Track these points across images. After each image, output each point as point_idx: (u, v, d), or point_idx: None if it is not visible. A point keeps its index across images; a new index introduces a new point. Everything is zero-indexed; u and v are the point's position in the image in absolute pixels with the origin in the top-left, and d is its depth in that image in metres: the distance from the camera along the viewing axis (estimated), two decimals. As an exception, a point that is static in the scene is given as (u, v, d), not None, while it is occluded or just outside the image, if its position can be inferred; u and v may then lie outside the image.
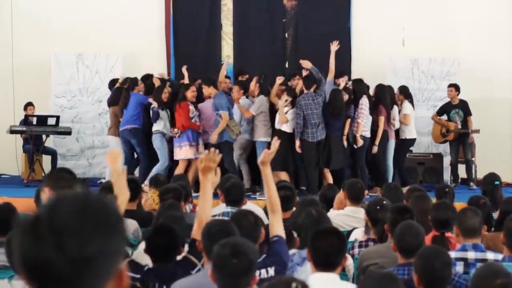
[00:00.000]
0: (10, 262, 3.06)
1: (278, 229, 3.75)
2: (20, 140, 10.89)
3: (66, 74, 11.39)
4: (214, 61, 11.53)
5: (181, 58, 11.76)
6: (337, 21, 11.89)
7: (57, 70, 11.39)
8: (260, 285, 2.94)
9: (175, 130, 9.16)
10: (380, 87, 9.82)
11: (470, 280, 3.23)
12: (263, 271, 3.51)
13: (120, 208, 3.50)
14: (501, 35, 11.91)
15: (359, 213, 5.45)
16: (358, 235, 5.07)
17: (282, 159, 9.14)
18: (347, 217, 5.56)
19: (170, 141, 9.36)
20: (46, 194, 3.74)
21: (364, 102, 9.39)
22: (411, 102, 10.17)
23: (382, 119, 9.53)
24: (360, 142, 9.34)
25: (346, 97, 9.32)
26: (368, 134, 9.48)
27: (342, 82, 9.42)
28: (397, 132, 9.99)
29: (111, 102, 9.85)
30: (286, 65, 11.87)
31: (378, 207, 4.71)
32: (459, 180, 10.69)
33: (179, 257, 3.79)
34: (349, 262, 4.34)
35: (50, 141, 11.13)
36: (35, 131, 10.35)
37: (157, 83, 9.53)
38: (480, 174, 9.16)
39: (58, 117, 10.61)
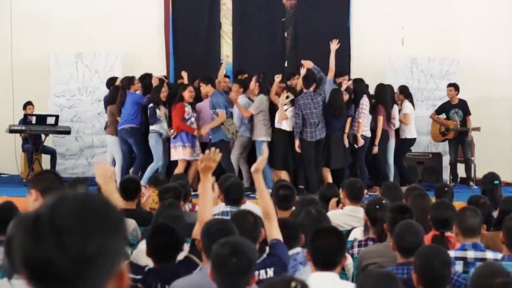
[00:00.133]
0: (9, 261, 3.06)
1: (275, 234, 3.74)
2: (19, 139, 10.89)
3: (65, 73, 11.38)
4: (214, 60, 11.52)
5: (180, 57, 11.77)
6: (336, 20, 11.88)
7: (56, 69, 11.39)
8: (260, 285, 2.94)
9: (171, 131, 9.17)
10: (381, 87, 9.81)
11: (470, 279, 3.23)
12: (262, 271, 3.51)
13: None
14: (500, 34, 11.91)
15: (359, 212, 5.45)
16: (357, 234, 5.07)
17: (282, 158, 9.14)
18: (347, 216, 5.56)
19: (169, 141, 9.37)
20: (32, 196, 3.72)
21: (365, 102, 9.40)
22: (411, 101, 10.17)
23: (380, 119, 9.53)
24: (361, 142, 9.34)
25: (346, 97, 9.32)
26: (368, 133, 9.48)
27: (344, 84, 9.40)
28: (397, 131, 9.99)
29: (108, 101, 9.85)
30: (286, 64, 11.86)
31: (377, 207, 4.71)
32: (458, 180, 10.70)
33: (180, 257, 3.79)
34: (349, 262, 4.34)
35: (50, 141, 11.13)
36: (34, 131, 10.35)
37: (155, 82, 9.52)
38: (480, 174, 9.16)
39: (57, 117, 10.61)
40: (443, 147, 11.23)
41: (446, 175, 10.87)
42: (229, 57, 10.95)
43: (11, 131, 10.49)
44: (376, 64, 11.43)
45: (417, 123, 10.32)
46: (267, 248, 3.69)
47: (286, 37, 12.03)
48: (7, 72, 11.44)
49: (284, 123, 9.15)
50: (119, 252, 1.29)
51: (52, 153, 10.95)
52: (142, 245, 4.10)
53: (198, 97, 9.61)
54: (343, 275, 4.15)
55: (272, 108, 9.37)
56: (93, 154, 11.44)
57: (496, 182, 6.44)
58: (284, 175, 9.05)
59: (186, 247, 4.05)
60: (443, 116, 10.78)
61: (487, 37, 11.83)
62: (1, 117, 11.15)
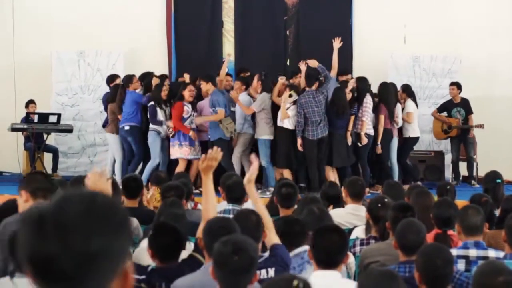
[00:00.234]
0: (12, 260, 3.06)
1: (274, 241, 3.75)
2: (22, 138, 10.90)
3: (67, 71, 11.39)
4: (215, 59, 11.52)
5: (182, 56, 11.78)
6: (338, 19, 11.88)
7: (58, 67, 11.39)
8: (261, 285, 2.94)
9: (170, 130, 9.18)
10: (384, 85, 9.79)
11: (472, 278, 3.23)
12: (263, 271, 3.50)
13: None
14: (502, 33, 11.89)
15: (360, 210, 5.45)
16: (359, 233, 5.06)
17: (285, 157, 9.14)
18: (349, 214, 5.56)
19: (169, 139, 9.38)
20: (22, 197, 3.71)
21: (368, 100, 9.39)
22: (414, 100, 10.16)
23: (382, 118, 9.52)
24: (365, 141, 9.33)
25: (349, 95, 9.31)
26: (372, 132, 9.48)
27: (350, 85, 9.38)
28: (400, 130, 9.98)
29: (108, 100, 9.86)
30: (287, 63, 11.87)
31: (379, 205, 4.70)
32: (460, 178, 10.69)
33: (185, 256, 3.78)
34: (351, 260, 4.33)
35: (52, 139, 11.15)
36: (37, 129, 10.36)
37: (155, 82, 9.51)
38: (482, 172, 9.15)
39: (59, 115, 10.62)
40: (445, 146, 11.22)
41: (448, 174, 10.86)
42: (231, 56, 10.94)
43: (13, 129, 10.50)
44: (378, 62, 11.42)
45: (419, 121, 10.31)
46: (268, 251, 3.69)
47: (288, 36, 12.02)
48: (9, 70, 11.45)
49: (286, 122, 9.14)
50: (124, 251, 1.30)
51: (54, 152, 10.97)
52: (144, 244, 4.10)
53: (199, 96, 9.61)
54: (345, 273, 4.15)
55: (275, 107, 9.35)
56: (95, 153, 11.45)
57: (498, 180, 6.44)
58: (287, 173, 9.05)
59: (189, 245, 4.05)
60: (445, 114, 10.77)
61: (489, 35, 11.81)
62: (3, 115, 11.16)
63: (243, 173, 9.00)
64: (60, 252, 1.20)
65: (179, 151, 9.15)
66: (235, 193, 5.34)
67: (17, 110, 11.12)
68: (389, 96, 9.64)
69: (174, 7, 11.90)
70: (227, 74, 10.10)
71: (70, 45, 11.34)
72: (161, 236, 3.77)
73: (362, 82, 9.56)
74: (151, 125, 9.27)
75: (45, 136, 10.68)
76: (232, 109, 9.40)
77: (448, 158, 10.96)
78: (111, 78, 10.11)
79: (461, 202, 5.61)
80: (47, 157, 10.87)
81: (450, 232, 4.59)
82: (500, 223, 5.04)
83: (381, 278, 2.93)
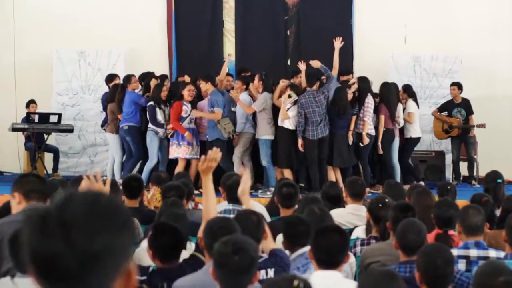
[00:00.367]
0: (13, 261, 3.05)
1: (272, 246, 3.77)
2: (22, 138, 10.90)
3: (68, 71, 11.39)
4: (216, 59, 11.51)
5: (183, 55, 11.77)
6: (339, 18, 11.88)
7: (59, 67, 11.40)
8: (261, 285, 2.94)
9: (168, 130, 9.18)
10: (385, 85, 9.77)
11: (472, 278, 3.23)
12: (262, 272, 3.50)
13: None
14: (503, 32, 11.89)
15: (361, 210, 5.45)
16: (360, 233, 5.06)
17: (285, 157, 9.13)
18: (349, 214, 5.56)
19: (168, 139, 9.39)
20: (15, 199, 3.69)
21: (370, 100, 9.38)
22: (415, 100, 10.15)
23: (382, 118, 9.52)
24: (367, 141, 9.32)
25: (351, 95, 9.30)
26: (373, 132, 9.47)
27: (353, 87, 9.36)
28: (402, 130, 9.97)
29: (107, 99, 9.86)
30: (288, 63, 11.87)
31: (380, 205, 4.70)
32: (461, 178, 10.68)
33: (186, 256, 3.78)
34: (352, 260, 4.33)
35: (52, 139, 11.15)
36: (37, 129, 10.35)
37: (153, 83, 9.50)
38: (482, 172, 9.14)
39: (60, 115, 10.61)
40: (446, 145, 11.22)
41: (448, 174, 10.86)
42: (231, 56, 10.93)
43: (14, 129, 10.50)
44: (379, 62, 11.42)
45: (420, 121, 10.30)
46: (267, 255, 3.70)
47: (289, 35, 12.02)
48: (10, 70, 11.45)
49: (287, 122, 9.13)
50: (127, 250, 1.31)
51: (55, 152, 10.97)
52: (144, 244, 4.10)
53: (199, 96, 9.60)
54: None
55: (276, 106, 9.34)
56: (96, 152, 11.46)
57: (499, 180, 6.43)
58: (288, 173, 9.04)
59: (190, 245, 4.05)
60: (445, 114, 10.76)
61: (490, 35, 11.81)
62: (4, 115, 11.17)
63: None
64: (63, 250, 1.21)
65: (178, 151, 9.16)
66: (236, 193, 5.32)
67: (18, 110, 11.12)
68: (391, 96, 9.62)
69: (175, 7, 11.90)
70: (228, 74, 10.09)
71: (71, 44, 11.35)
72: (161, 236, 3.76)
73: (364, 82, 9.55)
74: (149, 125, 9.27)
75: (45, 136, 10.68)
76: (232, 109, 9.40)
77: (448, 158, 10.95)
78: (110, 78, 10.12)
79: (461, 202, 5.60)
80: (48, 157, 10.87)
81: (450, 232, 4.59)
82: (500, 223, 5.04)
83: (381, 278, 2.93)
